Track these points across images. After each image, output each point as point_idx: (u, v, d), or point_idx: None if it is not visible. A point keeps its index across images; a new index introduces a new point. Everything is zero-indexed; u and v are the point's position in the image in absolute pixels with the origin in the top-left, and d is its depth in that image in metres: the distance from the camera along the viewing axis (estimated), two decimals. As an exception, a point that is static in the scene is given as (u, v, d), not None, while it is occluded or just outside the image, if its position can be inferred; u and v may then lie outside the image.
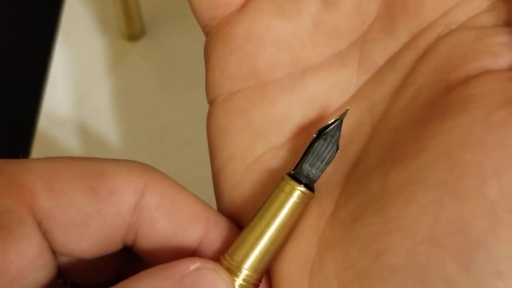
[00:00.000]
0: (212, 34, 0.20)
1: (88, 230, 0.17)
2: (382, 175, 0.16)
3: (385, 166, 0.16)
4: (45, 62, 0.45)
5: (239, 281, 0.17)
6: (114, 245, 0.18)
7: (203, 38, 0.50)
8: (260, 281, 0.18)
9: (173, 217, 0.18)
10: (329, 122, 0.18)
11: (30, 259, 0.17)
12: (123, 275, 0.20)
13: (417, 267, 0.15)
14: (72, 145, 0.42)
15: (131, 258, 0.20)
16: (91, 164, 0.18)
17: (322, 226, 0.17)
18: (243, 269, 0.17)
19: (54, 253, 0.18)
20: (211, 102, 0.20)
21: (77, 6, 0.48)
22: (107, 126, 0.43)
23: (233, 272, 0.17)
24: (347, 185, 0.17)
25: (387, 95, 0.18)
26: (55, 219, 0.17)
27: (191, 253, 0.18)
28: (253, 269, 0.17)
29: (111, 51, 0.46)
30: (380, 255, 0.15)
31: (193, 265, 0.17)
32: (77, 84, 0.44)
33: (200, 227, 0.18)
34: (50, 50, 0.46)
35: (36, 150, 0.42)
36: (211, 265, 0.17)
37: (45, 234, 0.17)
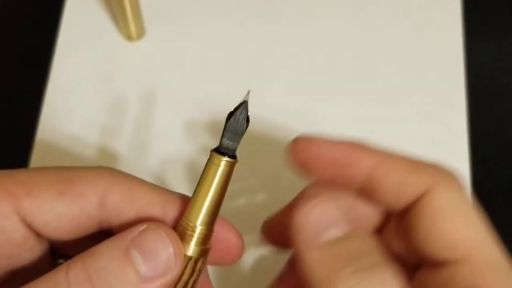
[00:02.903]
0: None
1: (62, 223, 0.23)
2: None
3: None
4: (46, 62, 0.45)
5: (196, 234, 0.23)
6: (89, 230, 0.24)
7: (202, 39, 0.51)
8: (212, 232, 0.23)
9: (133, 207, 0.23)
10: (236, 105, 0.23)
11: (18, 244, 0.23)
12: None
13: None
14: (72, 146, 0.42)
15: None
16: (63, 172, 0.23)
17: None
18: (198, 226, 0.23)
19: (43, 238, 0.24)
20: None
21: (78, 6, 0.48)
22: (107, 126, 0.43)
23: (190, 228, 0.23)
24: None
25: None
26: (35, 216, 0.23)
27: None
28: (204, 223, 0.23)
29: (111, 51, 0.46)
30: None
31: (141, 227, 0.22)
32: (77, 84, 0.45)
33: (157, 209, 0.23)
34: (51, 50, 0.46)
35: (37, 152, 0.42)
36: (153, 225, 0.22)
37: (30, 226, 0.23)
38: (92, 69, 0.45)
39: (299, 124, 0.43)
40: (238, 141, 0.23)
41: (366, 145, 0.24)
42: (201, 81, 0.45)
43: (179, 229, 0.23)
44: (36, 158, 0.42)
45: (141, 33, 0.46)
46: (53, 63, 0.45)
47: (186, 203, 0.24)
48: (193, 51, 0.46)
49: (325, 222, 0.23)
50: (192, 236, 0.23)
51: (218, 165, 0.23)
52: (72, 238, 0.24)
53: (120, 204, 0.23)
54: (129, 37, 0.46)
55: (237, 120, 0.23)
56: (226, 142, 0.23)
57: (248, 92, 0.23)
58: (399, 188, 0.24)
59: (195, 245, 0.23)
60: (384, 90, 0.44)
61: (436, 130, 0.43)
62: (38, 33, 0.48)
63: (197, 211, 0.23)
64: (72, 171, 0.23)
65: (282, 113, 0.43)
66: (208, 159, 0.23)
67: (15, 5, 0.50)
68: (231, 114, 0.23)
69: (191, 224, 0.23)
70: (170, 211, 0.24)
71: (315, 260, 0.22)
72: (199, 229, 0.23)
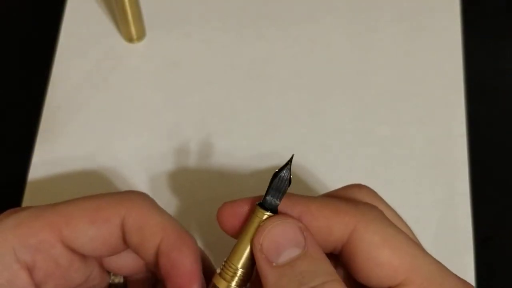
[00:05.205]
0: None
1: (95, 243, 0.28)
2: None
3: None
4: (47, 63, 0.46)
5: (237, 276, 0.26)
6: (119, 247, 0.29)
7: (203, 41, 0.51)
8: (250, 275, 0.27)
9: (140, 232, 0.28)
10: (282, 166, 0.26)
11: (66, 267, 0.28)
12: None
13: None
14: (73, 149, 0.43)
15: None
16: (94, 202, 0.28)
17: None
18: (239, 269, 0.26)
19: (87, 259, 0.29)
20: None
21: (78, 8, 0.48)
22: (108, 128, 0.43)
23: (232, 270, 0.26)
24: None
25: None
26: (75, 241, 0.28)
27: (156, 250, 0.28)
28: (244, 266, 0.26)
29: (112, 52, 0.46)
30: None
31: None
32: (78, 86, 0.45)
33: (156, 236, 0.28)
34: (52, 52, 0.46)
35: (37, 153, 0.42)
36: None
37: (73, 250, 0.28)
38: (93, 70, 0.45)
39: (299, 126, 0.43)
40: (280, 199, 0.26)
41: (290, 195, 0.27)
42: (201, 83, 0.45)
43: (223, 269, 0.27)
44: (37, 159, 0.42)
45: (141, 34, 0.46)
46: (54, 64, 0.45)
47: (181, 233, 0.28)
48: (193, 53, 0.46)
49: (284, 242, 0.25)
50: (233, 277, 0.26)
51: (261, 218, 0.26)
52: (108, 254, 0.29)
53: (131, 228, 0.28)
54: (129, 39, 0.46)
55: (281, 180, 0.26)
56: (270, 198, 0.26)
57: (292, 155, 0.26)
58: (325, 233, 0.26)
59: (235, 285, 0.26)
60: (383, 90, 0.45)
61: (436, 131, 0.43)
62: (38, 34, 0.48)
63: (239, 256, 0.26)
64: (101, 199, 0.28)
65: (281, 115, 0.44)
66: (253, 212, 0.26)
67: (16, 6, 0.50)
68: (276, 174, 0.26)
69: (233, 267, 0.26)
70: (165, 241, 0.28)
71: (273, 282, 0.25)
72: (240, 271, 0.26)
